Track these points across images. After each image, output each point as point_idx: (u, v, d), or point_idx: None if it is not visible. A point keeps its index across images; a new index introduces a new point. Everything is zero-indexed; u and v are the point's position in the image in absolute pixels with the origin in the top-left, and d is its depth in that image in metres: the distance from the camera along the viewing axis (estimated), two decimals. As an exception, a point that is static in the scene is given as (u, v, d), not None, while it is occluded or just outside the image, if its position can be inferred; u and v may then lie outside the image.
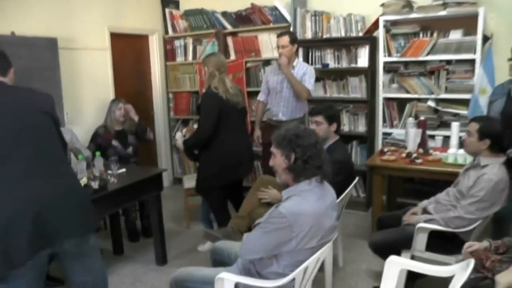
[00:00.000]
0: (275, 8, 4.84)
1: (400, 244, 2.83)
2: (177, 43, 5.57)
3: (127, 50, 5.22)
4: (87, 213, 2.16)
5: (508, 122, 2.90)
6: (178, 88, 5.68)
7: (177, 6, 5.65)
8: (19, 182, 1.92)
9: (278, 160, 2.12)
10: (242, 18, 5.07)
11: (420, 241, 2.76)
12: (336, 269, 3.26)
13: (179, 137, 3.78)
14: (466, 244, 2.27)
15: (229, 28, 5.20)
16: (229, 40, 5.20)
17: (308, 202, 2.02)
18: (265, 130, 4.27)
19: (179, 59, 5.62)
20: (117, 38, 4.90)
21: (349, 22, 4.58)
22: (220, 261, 2.51)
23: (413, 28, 4.21)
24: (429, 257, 2.72)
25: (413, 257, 2.77)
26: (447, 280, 2.13)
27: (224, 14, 5.17)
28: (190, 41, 5.49)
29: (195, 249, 3.87)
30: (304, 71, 4.00)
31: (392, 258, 2.19)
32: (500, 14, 3.98)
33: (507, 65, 3.07)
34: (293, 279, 2.02)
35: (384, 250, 2.85)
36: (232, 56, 5.20)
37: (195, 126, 3.89)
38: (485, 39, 3.92)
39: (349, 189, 3.13)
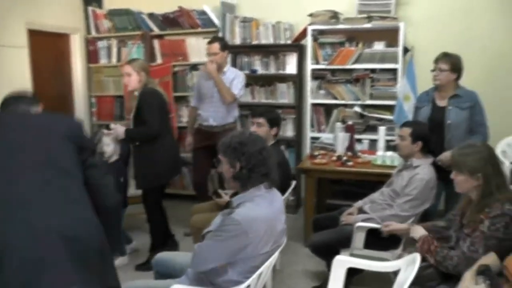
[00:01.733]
0: (203, 13, 4.80)
1: (339, 244, 2.93)
2: (100, 44, 5.29)
3: (47, 49, 4.86)
4: None
5: (434, 127, 3.15)
6: (101, 91, 5.38)
7: (99, 4, 5.37)
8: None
9: (224, 168, 2.09)
10: (169, 21, 4.97)
11: (358, 239, 2.88)
12: (274, 273, 3.28)
13: (117, 126, 3.44)
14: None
15: (156, 30, 5.06)
16: (156, 43, 5.06)
17: (261, 207, 2.02)
18: (195, 135, 4.22)
19: (103, 61, 5.33)
20: (36, 36, 4.55)
21: (277, 29, 4.68)
22: (164, 273, 2.37)
23: (340, 38, 4.43)
24: (367, 254, 2.84)
25: (351, 255, 2.88)
26: (383, 274, 2.26)
27: (151, 16, 5.03)
28: (114, 42, 5.25)
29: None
30: (234, 76, 4.02)
31: (340, 257, 2.25)
32: (418, 29, 4.36)
33: (427, 74, 3.34)
34: (248, 286, 2.00)
35: (323, 250, 2.96)
36: (159, 60, 5.06)
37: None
38: (406, 50, 4.26)
39: (288, 192, 3.20)
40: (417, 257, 1.95)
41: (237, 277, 2.00)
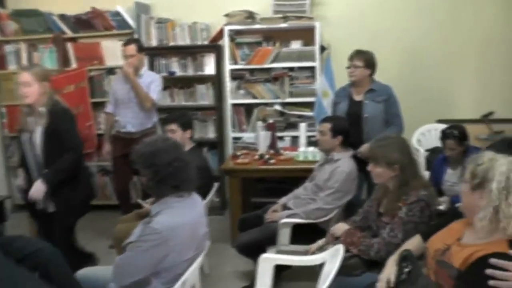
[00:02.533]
0: (117, 14, 4.61)
1: (265, 242, 2.94)
2: (7, 48, 4.85)
3: None
4: None
5: (352, 121, 3.25)
6: (12, 100, 4.72)
7: (2, 4, 4.92)
8: None
9: (142, 175, 2.01)
10: (82, 23, 4.70)
11: (284, 235, 2.89)
12: (203, 277, 3.19)
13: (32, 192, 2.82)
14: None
15: (69, 33, 4.75)
16: (70, 47, 4.75)
17: (181, 213, 1.96)
18: (114, 143, 4.03)
19: (12, 67, 4.85)
20: None
21: (194, 30, 4.61)
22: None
23: (257, 38, 4.46)
24: (294, 249, 2.86)
25: (278, 252, 2.89)
26: (311, 267, 2.28)
27: (62, 17, 4.71)
28: (23, 46, 4.82)
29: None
30: (151, 80, 3.89)
31: (266, 255, 2.25)
32: (334, 28, 4.50)
33: (344, 70, 3.46)
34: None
35: (250, 250, 2.94)
36: (74, 64, 4.76)
37: None
38: (323, 48, 4.37)
39: (210, 195, 3.15)
40: (340, 248, 1.99)
41: (161, 286, 1.93)
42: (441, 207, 2.78)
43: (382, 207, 2.34)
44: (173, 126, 3.13)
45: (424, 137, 4.44)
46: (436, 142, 4.23)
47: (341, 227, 2.43)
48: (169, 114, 3.43)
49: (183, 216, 1.95)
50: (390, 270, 1.84)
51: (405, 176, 2.22)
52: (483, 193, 1.56)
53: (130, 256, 1.91)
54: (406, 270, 1.77)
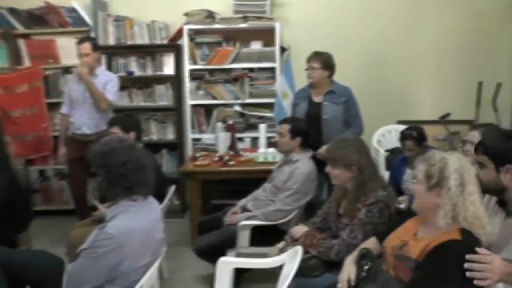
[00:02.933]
0: (73, 10, 4.44)
1: (225, 245, 2.90)
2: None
3: None
4: None
5: (312, 122, 3.26)
6: None
7: None
8: None
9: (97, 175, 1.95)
10: (35, 18, 4.49)
11: (243, 238, 2.87)
12: (162, 282, 3.14)
13: None
14: None
15: (21, 29, 4.54)
16: (22, 44, 4.54)
17: (137, 217, 1.89)
18: (69, 146, 3.88)
19: None
20: None
21: (153, 29, 4.51)
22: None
23: (216, 38, 4.41)
24: (254, 251, 2.84)
25: (238, 255, 2.86)
26: (272, 269, 2.26)
27: (13, 11, 4.46)
28: None
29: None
30: (107, 80, 3.77)
31: (224, 259, 2.21)
32: (294, 29, 4.51)
33: (304, 72, 3.47)
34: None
35: (210, 254, 2.89)
36: (27, 63, 4.55)
37: None
38: (283, 49, 4.38)
39: (167, 199, 3.09)
40: (299, 249, 1.98)
41: (117, 294, 1.85)
42: (401, 206, 2.84)
43: (342, 208, 2.35)
44: (115, 129, 3.04)
45: (384, 137, 4.52)
46: (396, 143, 4.31)
47: (300, 229, 2.43)
48: (112, 117, 3.35)
49: (138, 220, 1.89)
50: (349, 269, 1.86)
51: (363, 178, 2.24)
52: (441, 192, 1.63)
53: (83, 264, 1.83)
54: (366, 267, 1.79)
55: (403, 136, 3.21)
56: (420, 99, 4.74)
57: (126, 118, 3.22)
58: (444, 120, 4.60)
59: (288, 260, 2.04)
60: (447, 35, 4.60)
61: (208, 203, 4.31)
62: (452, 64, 4.66)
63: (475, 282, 1.50)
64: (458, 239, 1.58)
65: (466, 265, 1.50)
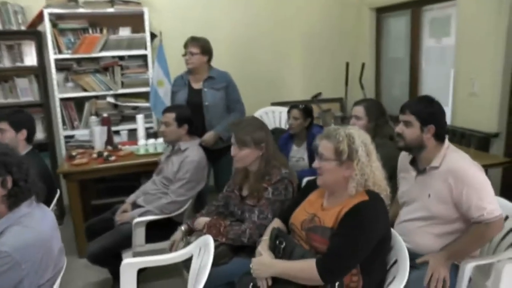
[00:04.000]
0: None
1: (119, 246, 2.74)
2: None
3: None
4: None
5: (193, 109, 3.17)
6: None
7: None
8: None
9: None
10: None
11: (139, 236, 2.72)
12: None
13: None
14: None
15: None
16: None
17: (32, 228, 1.67)
18: None
19: None
20: None
21: (6, 12, 3.92)
22: None
23: (82, 24, 4.06)
24: (151, 248, 2.73)
25: (134, 254, 2.71)
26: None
27: None
28: None
29: None
30: None
31: (127, 261, 2.06)
32: (163, 15, 4.35)
33: (179, 58, 3.37)
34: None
35: (104, 258, 2.71)
36: None
37: None
38: (154, 36, 4.19)
39: (53, 204, 2.78)
40: (209, 239, 1.93)
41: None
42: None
43: (245, 191, 2.34)
44: (3, 125, 2.64)
45: (262, 119, 4.59)
46: (273, 124, 4.51)
47: (201, 222, 2.36)
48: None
49: (35, 230, 1.66)
50: (266, 253, 1.86)
51: (269, 155, 2.25)
52: (351, 165, 1.77)
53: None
54: (282, 246, 1.83)
55: (291, 107, 3.41)
56: (293, 81, 4.97)
57: (17, 113, 2.76)
58: (316, 99, 4.91)
59: (197, 252, 1.99)
60: (315, 20, 4.87)
61: (90, 205, 4.02)
62: (320, 47, 4.97)
63: None
64: (366, 199, 1.74)
65: None
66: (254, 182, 2.26)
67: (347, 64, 4.91)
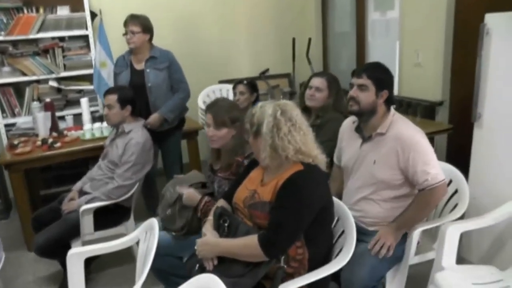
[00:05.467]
0: None
1: (67, 236, 2.65)
2: None
3: None
4: None
5: (137, 91, 3.07)
6: None
7: None
8: None
9: None
10: None
11: (87, 224, 2.65)
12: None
13: None
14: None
15: None
16: None
17: None
18: None
19: None
20: None
21: None
22: None
23: (15, 3, 3.81)
24: (102, 235, 2.67)
25: (84, 243, 2.64)
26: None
27: None
28: None
29: None
30: None
31: (74, 251, 1.99)
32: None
33: (121, 38, 3.23)
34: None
35: (53, 250, 2.60)
36: None
37: None
38: (94, 15, 4.00)
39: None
40: (154, 222, 1.89)
41: None
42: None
43: (217, 165, 2.32)
44: None
45: (208, 98, 4.56)
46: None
47: (193, 197, 2.20)
48: None
49: None
50: (210, 233, 1.83)
51: (241, 132, 2.19)
52: (261, 138, 1.76)
53: None
54: (226, 225, 1.80)
55: (236, 83, 3.39)
56: (239, 57, 4.93)
57: None
58: (263, 75, 4.89)
59: (143, 236, 1.95)
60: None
61: (37, 196, 3.86)
62: (266, 23, 4.94)
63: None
64: (301, 169, 1.73)
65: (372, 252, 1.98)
66: (227, 157, 2.25)
67: (294, 40, 4.90)
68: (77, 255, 1.97)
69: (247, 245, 1.68)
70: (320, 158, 1.80)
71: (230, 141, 2.25)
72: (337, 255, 1.86)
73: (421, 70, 3.58)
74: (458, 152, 3.32)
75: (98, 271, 2.92)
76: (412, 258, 2.13)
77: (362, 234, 2.03)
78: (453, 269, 2.01)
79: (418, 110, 3.50)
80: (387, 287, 2.16)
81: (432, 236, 2.32)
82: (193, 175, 2.46)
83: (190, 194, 2.19)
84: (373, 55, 4.32)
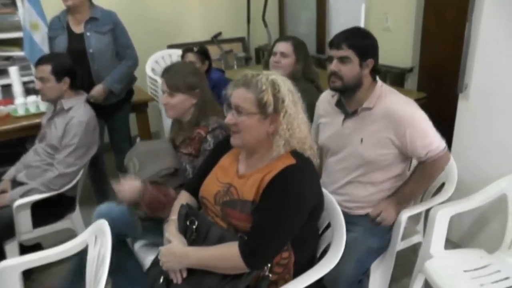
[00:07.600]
0: None
1: (1, 236, 2.25)
2: None
3: None
4: None
5: (76, 58, 2.62)
6: None
7: None
8: None
9: None
10: None
11: (24, 221, 2.26)
12: None
13: None
14: None
15: None
16: None
17: None
18: None
19: None
20: None
21: None
22: None
23: None
24: (41, 233, 2.29)
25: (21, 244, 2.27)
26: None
27: None
28: None
29: None
30: None
31: (5, 264, 1.61)
32: None
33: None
34: None
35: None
36: None
37: None
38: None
39: None
40: (104, 225, 1.55)
41: None
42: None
43: (178, 140, 2.04)
44: None
45: (157, 65, 4.24)
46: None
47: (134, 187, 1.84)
48: None
49: None
50: (176, 239, 1.51)
51: (204, 101, 1.98)
52: (277, 118, 1.44)
53: None
54: (194, 227, 1.49)
55: (184, 50, 3.03)
56: (190, 20, 4.62)
57: None
58: (216, 39, 4.63)
59: (93, 240, 1.61)
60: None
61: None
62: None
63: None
64: (293, 163, 1.43)
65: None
66: (188, 128, 1.96)
67: (248, 1, 4.60)
68: (9, 269, 1.59)
69: (225, 256, 1.37)
70: (310, 146, 1.51)
71: (189, 111, 1.97)
72: (322, 251, 1.63)
73: (390, 34, 3.37)
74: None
75: (42, 270, 2.52)
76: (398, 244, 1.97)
77: (346, 222, 1.80)
78: (442, 256, 1.89)
79: (388, 77, 3.30)
80: (372, 279, 1.98)
81: (414, 217, 2.15)
82: (160, 144, 2.14)
83: (125, 188, 1.81)
84: (336, 19, 4.07)
